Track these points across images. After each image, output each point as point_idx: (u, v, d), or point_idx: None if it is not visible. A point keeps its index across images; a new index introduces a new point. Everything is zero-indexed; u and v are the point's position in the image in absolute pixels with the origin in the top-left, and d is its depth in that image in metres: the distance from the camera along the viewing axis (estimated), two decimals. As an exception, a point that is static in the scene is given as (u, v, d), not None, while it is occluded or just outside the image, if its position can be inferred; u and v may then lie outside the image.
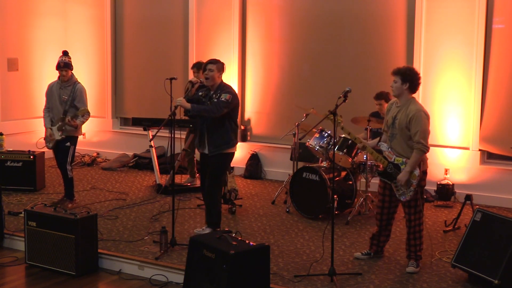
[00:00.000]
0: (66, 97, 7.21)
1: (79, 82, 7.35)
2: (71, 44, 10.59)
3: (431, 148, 7.87)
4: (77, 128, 7.27)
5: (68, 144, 7.29)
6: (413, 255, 5.61)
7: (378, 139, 5.79)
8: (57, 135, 7.24)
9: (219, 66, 6.11)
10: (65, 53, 7.30)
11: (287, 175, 8.03)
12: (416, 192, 5.47)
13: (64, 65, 7.21)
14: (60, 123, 7.23)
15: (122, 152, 10.23)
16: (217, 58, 6.26)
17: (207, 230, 6.18)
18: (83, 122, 7.28)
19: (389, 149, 5.56)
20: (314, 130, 7.05)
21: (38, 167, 8.26)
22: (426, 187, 7.92)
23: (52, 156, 9.80)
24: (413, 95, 5.57)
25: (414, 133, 5.38)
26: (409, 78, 5.46)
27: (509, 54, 7.66)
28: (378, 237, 5.84)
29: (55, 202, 7.32)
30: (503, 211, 7.40)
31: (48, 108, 7.40)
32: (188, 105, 5.98)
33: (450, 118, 8.01)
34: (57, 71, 7.29)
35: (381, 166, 5.64)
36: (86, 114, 7.23)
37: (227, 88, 6.10)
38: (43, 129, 7.56)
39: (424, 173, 5.53)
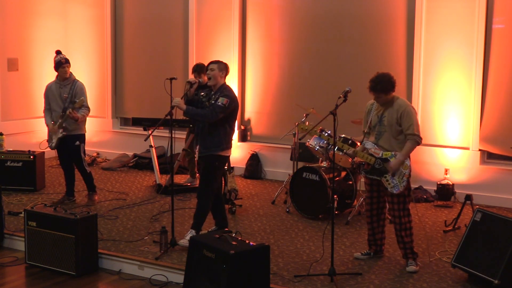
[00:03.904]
0: (66, 95, 7.27)
1: (78, 80, 7.43)
2: (71, 44, 10.60)
3: (431, 148, 7.98)
4: (79, 122, 7.33)
5: (77, 143, 7.41)
6: (410, 253, 5.62)
7: (362, 140, 5.81)
8: (58, 133, 7.28)
9: (221, 66, 6.05)
10: (59, 52, 7.39)
11: (287, 175, 8.03)
12: (408, 185, 5.52)
13: (66, 61, 7.31)
14: (60, 121, 7.27)
15: (122, 152, 10.23)
16: (220, 60, 6.23)
17: (189, 234, 5.94)
18: (84, 116, 7.33)
19: (375, 146, 5.60)
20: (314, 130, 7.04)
21: (38, 167, 8.26)
22: (426, 187, 8.03)
23: (52, 156, 9.85)
24: (400, 93, 5.64)
25: (408, 127, 5.48)
26: (389, 87, 5.53)
27: (509, 54, 7.66)
28: (373, 236, 5.86)
29: (55, 202, 7.35)
30: (503, 211, 7.40)
31: (49, 109, 7.45)
32: (184, 107, 5.90)
33: (450, 118, 8.01)
34: (56, 71, 7.34)
35: (366, 164, 5.66)
36: (84, 108, 7.29)
37: (226, 91, 5.99)
38: (44, 129, 7.58)
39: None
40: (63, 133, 7.30)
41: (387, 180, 5.54)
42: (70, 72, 7.39)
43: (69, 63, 7.37)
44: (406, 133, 5.50)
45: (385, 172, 5.53)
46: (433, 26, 8.00)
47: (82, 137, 7.47)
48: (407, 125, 5.48)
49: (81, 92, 7.32)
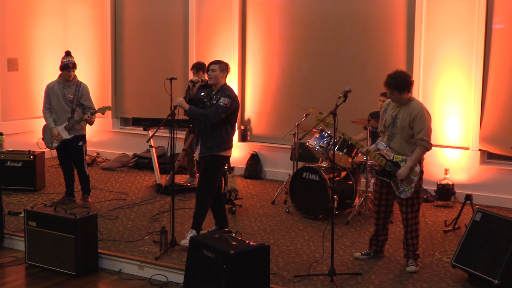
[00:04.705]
0: (71, 96, 7.29)
1: (81, 81, 7.45)
2: (71, 44, 10.58)
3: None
4: (83, 127, 7.44)
5: (81, 143, 7.44)
6: (412, 254, 5.62)
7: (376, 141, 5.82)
8: (66, 135, 7.30)
9: (222, 66, 6.06)
10: (69, 54, 7.38)
11: (287, 175, 8.03)
12: (416, 190, 5.49)
13: (73, 66, 7.33)
14: (67, 123, 7.29)
15: (122, 152, 10.23)
16: (221, 59, 6.23)
17: (190, 234, 5.95)
18: (94, 119, 7.45)
19: (387, 147, 5.58)
20: (314, 130, 7.05)
21: (38, 167, 8.25)
22: (426, 187, 8.03)
23: (52, 156, 9.84)
24: (410, 94, 5.60)
25: (419, 131, 5.42)
26: (404, 85, 5.47)
27: (509, 54, 7.66)
28: (376, 237, 5.86)
29: (55, 202, 7.35)
30: (503, 211, 7.40)
31: (49, 109, 7.43)
32: (187, 107, 5.92)
33: (450, 118, 8.01)
34: (61, 71, 7.34)
35: (377, 164, 5.65)
36: (92, 109, 7.40)
37: (227, 91, 6.00)
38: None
39: (421, 172, 5.55)
40: (71, 134, 7.33)
41: (396, 184, 5.53)
42: (75, 74, 7.41)
43: (76, 67, 7.38)
44: (416, 137, 5.43)
45: (395, 175, 5.51)
46: (433, 26, 8.00)
47: (84, 138, 7.51)
48: (418, 129, 5.42)
49: (87, 94, 7.39)
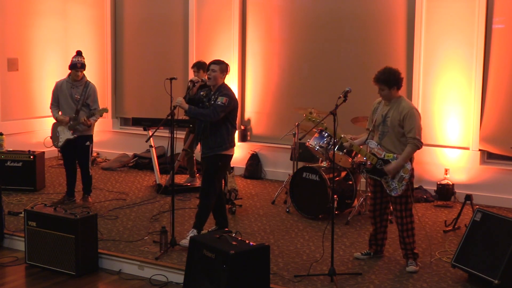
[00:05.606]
0: (78, 96, 7.31)
1: (90, 82, 7.47)
2: (71, 44, 10.59)
3: (431, 148, 7.98)
4: (91, 127, 7.44)
5: (88, 143, 7.45)
6: (410, 254, 5.62)
7: (365, 137, 5.79)
8: (68, 134, 7.31)
9: (223, 67, 6.06)
10: (80, 53, 7.40)
11: (287, 175, 8.03)
12: (408, 188, 5.50)
13: (81, 66, 7.34)
14: (71, 123, 7.29)
15: (122, 152, 10.23)
16: (221, 59, 6.22)
17: (190, 233, 5.97)
18: (96, 121, 7.44)
19: (378, 146, 5.59)
20: (314, 130, 7.05)
21: (38, 167, 8.25)
22: (426, 187, 8.03)
23: (52, 156, 9.85)
24: (400, 92, 5.63)
25: (409, 130, 5.45)
26: (393, 81, 5.51)
27: (509, 54, 7.66)
28: (375, 236, 5.86)
29: (55, 202, 7.34)
30: (503, 211, 7.40)
31: (57, 106, 7.47)
32: (186, 106, 5.94)
33: (450, 118, 8.01)
34: (70, 71, 7.36)
35: (368, 163, 5.65)
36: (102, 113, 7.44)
37: (225, 90, 6.01)
38: (44, 128, 7.58)
39: (411, 170, 5.56)
40: (74, 135, 7.33)
41: (387, 182, 5.54)
42: (83, 74, 7.42)
43: (84, 68, 7.38)
44: (407, 136, 5.46)
45: (386, 173, 5.52)
46: (433, 26, 8.00)
47: (91, 138, 7.53)
48: (408, 128, 5.45)
49: (94, 95, 7.40)
